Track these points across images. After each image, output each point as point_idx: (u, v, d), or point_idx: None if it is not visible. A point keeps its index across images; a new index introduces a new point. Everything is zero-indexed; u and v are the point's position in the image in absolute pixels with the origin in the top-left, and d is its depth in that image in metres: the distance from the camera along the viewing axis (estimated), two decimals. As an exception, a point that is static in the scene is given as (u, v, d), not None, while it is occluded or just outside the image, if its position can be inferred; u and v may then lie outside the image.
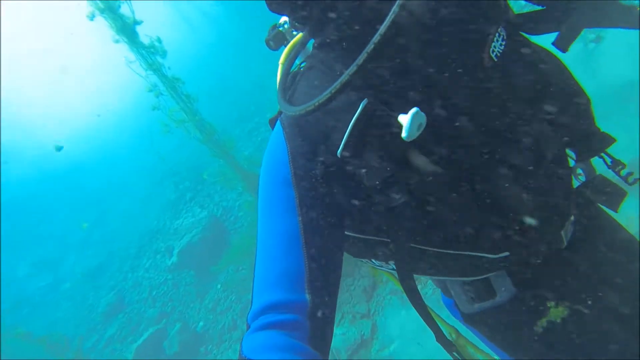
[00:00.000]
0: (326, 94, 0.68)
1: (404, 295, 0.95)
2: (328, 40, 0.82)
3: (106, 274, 9.83)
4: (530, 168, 0.84)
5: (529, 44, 0.90)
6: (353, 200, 0.83)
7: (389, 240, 0.88)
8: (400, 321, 4.67)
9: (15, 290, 10.93)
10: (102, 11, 4.66)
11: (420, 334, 4.16)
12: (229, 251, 6.94)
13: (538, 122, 0.86)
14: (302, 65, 0.94)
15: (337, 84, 0.67)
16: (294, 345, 0.67)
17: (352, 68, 0.65)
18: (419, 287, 0.93)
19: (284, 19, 1.10)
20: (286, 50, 1.03)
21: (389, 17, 0.62)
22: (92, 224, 12.36)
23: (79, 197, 15.53)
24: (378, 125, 0.74)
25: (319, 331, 0.73)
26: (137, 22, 4.93)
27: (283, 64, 1.00)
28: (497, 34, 0.80)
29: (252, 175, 6.16)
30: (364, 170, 0.76)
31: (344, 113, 0.77)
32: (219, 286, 6.91)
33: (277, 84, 0.94)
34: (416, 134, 0.72)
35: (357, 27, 0.75)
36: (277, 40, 1.10)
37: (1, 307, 8.48)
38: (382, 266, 1.02)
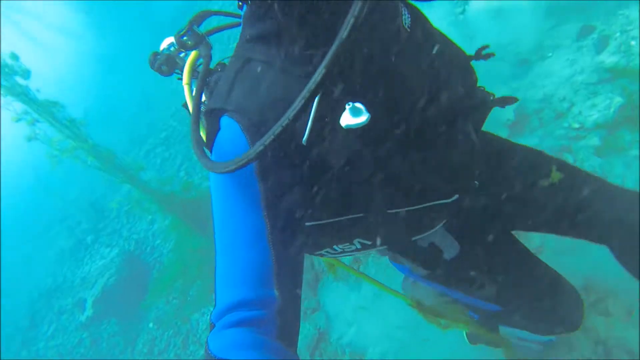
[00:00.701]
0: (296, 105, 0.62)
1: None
2: (274, 32, 0.80)
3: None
4: (454, 123, 0.94)
5: (423, 17, 1.00)
6: (323, 183, 0.83)
7: (363, 214, 0.90)
8: (351, 305, 4.70)
9: None
10: None
11: (373, 313, 4.25)
12: (154, 285, 6.30)
13: (449, 80, 0.96)
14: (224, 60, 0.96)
15: (305, 93, 0.60)
16: (264, 343, 0.66)
17: (327, 61, 0.58)
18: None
19: (168, 41, 1.11)
20: (187, 69, 1.02)
21: (355, 6, 0.57)
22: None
23: None
24: (334, 109, 0.76)
25: (288, 326, 0.73)
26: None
27: (188, 84, 1.00)
28: (402, 8, 0.89)
29: (163, 195, 5.65)
30: (331, 153, 0.78)
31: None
32: (151, 325, 6.22)
33: (192, 103, 0.92)
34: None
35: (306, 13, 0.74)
36: (169, 64, 1.10)
37: None
38: (343, 250, 1.03)
